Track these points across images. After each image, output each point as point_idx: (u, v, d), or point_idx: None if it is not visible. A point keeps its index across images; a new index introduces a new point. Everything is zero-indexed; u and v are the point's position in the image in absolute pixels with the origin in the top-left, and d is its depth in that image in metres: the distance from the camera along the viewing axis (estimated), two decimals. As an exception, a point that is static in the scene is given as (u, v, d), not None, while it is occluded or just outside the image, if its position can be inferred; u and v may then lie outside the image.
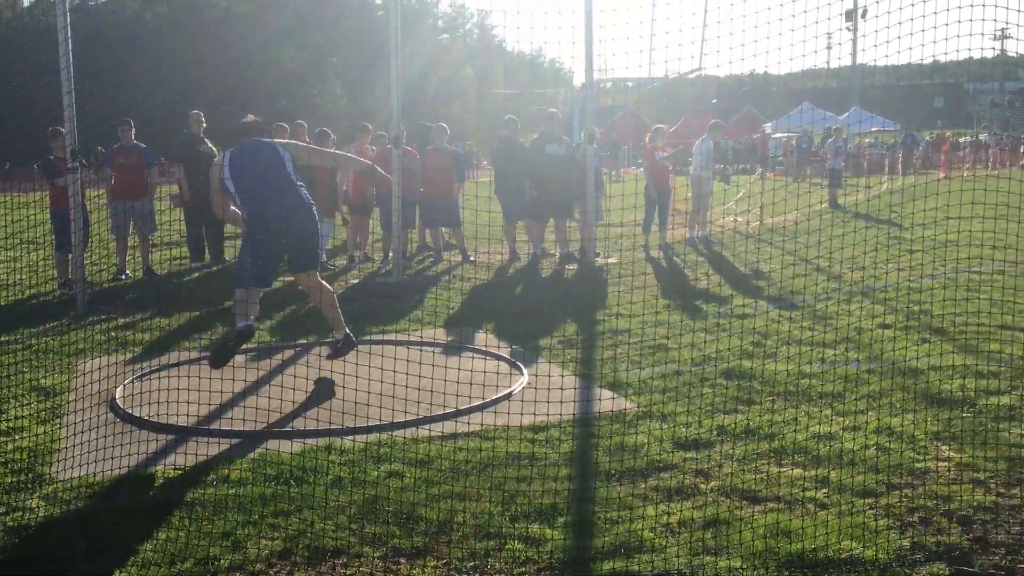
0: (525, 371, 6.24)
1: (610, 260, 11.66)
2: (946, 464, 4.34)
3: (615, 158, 31.68)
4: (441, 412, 5.28)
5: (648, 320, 7.75)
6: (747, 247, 12.77)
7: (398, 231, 10.31)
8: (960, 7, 4.11)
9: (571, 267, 11.29)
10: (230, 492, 4.17)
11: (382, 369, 4.97)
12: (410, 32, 33.23)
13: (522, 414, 4.92)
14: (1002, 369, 5.87)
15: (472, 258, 11.92)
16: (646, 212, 13.04)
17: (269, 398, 5.13)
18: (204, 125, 11.76)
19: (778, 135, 39.70)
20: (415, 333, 7.38)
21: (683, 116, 49.07)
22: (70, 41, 8.34)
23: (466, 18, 73.45)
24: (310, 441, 4.90)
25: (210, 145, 11.06)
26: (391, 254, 11.00)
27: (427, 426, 5.09)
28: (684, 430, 4.89)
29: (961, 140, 43.97)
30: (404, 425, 5.02)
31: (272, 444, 4.82)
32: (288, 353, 6.96)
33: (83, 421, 5.01)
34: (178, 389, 5.05)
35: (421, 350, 6.15)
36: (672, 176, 13.62)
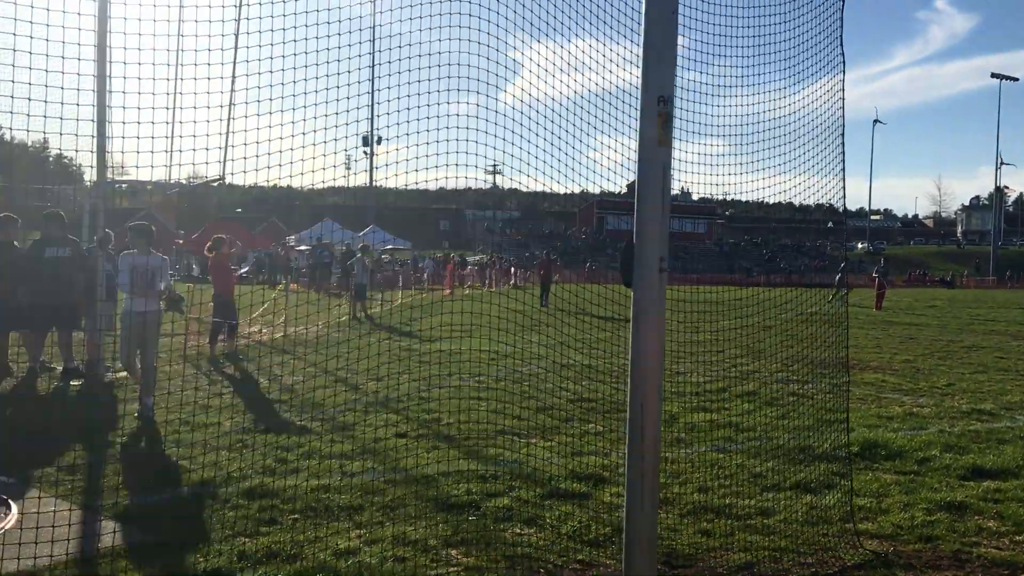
0: (13, 506, 5.42)
1: (120, 374, 10.69)
2: (456, 569, 4.62)
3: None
4: None
5: (170, 439, 7.28)
6: (272, 360, 12.68)
7: None
8: (457, 140, 4.61)
9: (76, 383, 10.18)
10: None
11: None
12: None
13: (4, 559, 4.23)
14: (500, 471, 6.48)
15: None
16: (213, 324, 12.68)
17: None
18: None
19: (301, 247, 40.63)
20: None
21: (205, 223, 48.04)
22: None
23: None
24: None
25: None
26: None
27: None
28: (203, 560, 4.59)
29: (469, 260, 49.30)
30: None
31: None
32: None
33: None
34: None
35: None
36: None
